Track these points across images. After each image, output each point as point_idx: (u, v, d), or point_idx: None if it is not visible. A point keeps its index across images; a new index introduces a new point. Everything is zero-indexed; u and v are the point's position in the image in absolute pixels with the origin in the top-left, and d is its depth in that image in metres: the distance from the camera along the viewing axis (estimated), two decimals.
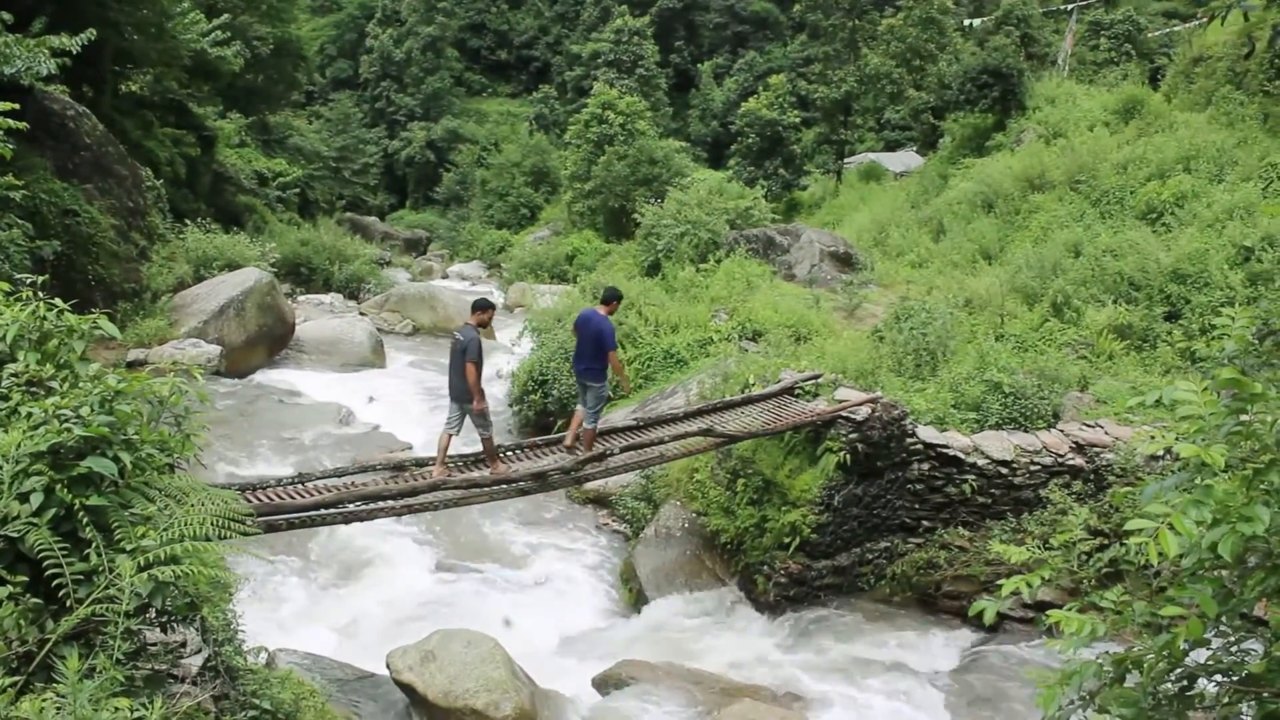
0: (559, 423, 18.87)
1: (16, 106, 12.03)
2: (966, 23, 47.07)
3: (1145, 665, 3.85)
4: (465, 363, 10.14)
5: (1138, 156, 22.17)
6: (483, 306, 10.74)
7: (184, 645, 5.36)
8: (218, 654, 5.59)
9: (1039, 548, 4.95)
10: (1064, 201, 22.57)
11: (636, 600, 13.54)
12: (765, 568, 12.89)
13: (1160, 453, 3.88)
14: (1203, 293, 16.70)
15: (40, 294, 5.86)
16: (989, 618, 4.06)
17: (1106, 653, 4.10)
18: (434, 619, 11.95)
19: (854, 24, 48.68)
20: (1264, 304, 13.38)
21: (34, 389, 5.24)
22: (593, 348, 11.05)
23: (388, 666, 10.35)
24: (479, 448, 10.78)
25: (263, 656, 6.28)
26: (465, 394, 10.29)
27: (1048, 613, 3.94)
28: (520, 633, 12.03)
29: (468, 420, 10.53)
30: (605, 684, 11.26)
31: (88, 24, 20.32)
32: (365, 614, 12.60)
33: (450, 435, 10.63)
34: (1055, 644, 4.02)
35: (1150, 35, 46.40)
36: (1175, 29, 46.34)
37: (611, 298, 11.39)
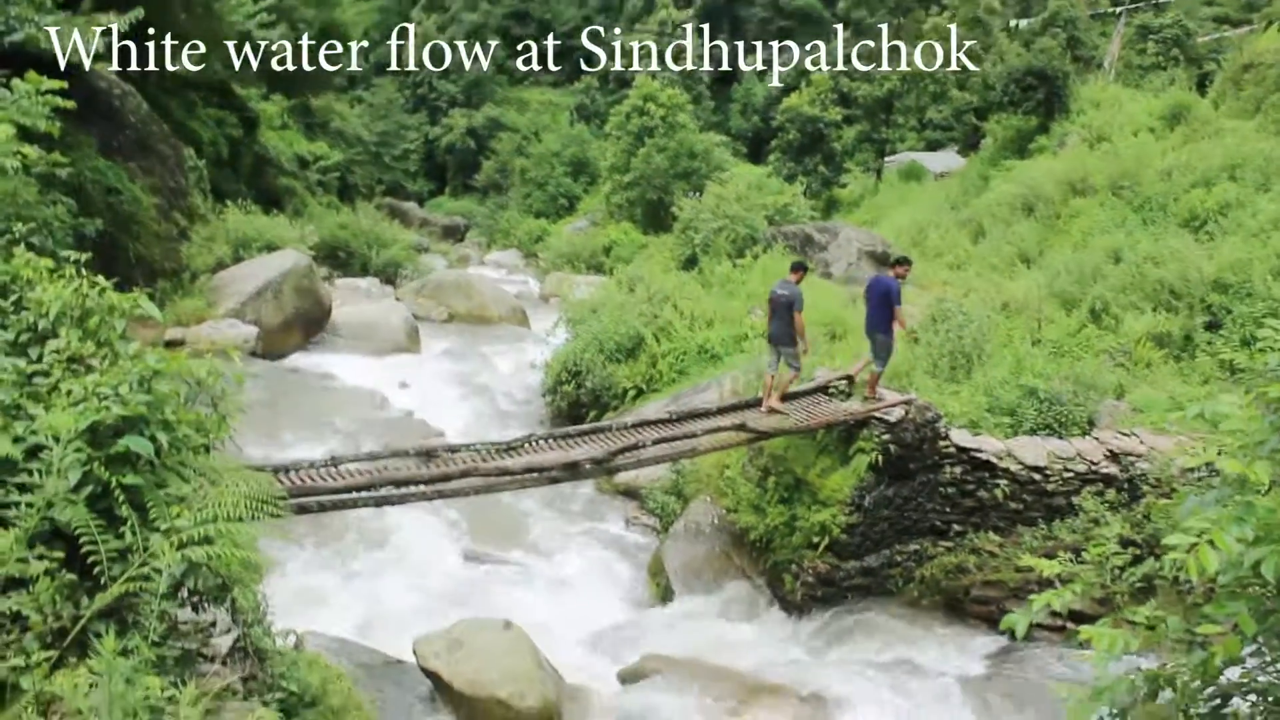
0: (591, 413, 18.91)
1: (65, 85, 12.11)
2: (1013, 23, 46.73)
3: (1179, 683, 3.80)
4: (793, 313, 12.20)
5: (1183, 163, 21.85)
6: (800, 267, 12.90)
7: (214, 625, 5.39)
8: (247, 635, 5.60)
9: (1071, 560, 4.89)
10: (1106, 207, 22.30)
11: (664, 595, 13.54)
12: (794, 566, 12.84)
13: (1197, 466, 3.85)
14: (1245, 303, 16.41)
15: (83, 271, 5.91)
16: (1021, 632, 4.02)
17: (1138, 669, 4.05)
18: (461, 607, 11.98)
19: (899, 22, 48.33)
20: None
21: (75, 366, 5.28)
22: (879, 304, 12.49)
23: (414, 653, 10.39)
24: (513, 435, 10.91)
25: (291, 639, 6.29)
26: (787, 339, 12.39)
27: (1080, 628, 3.89)
28: (547, 624, 12.03)
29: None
30: (630, 678, 11.27)
31: (135, 3, 20.49)
32: (393, 600, 12.65)
33: (772, 375, 12.74)
34: (1087, 657, 3.98)
35: (1200, 40, 45.77)
36: (1225, 34, 45.73)
37: (902, 261, 12.91)
